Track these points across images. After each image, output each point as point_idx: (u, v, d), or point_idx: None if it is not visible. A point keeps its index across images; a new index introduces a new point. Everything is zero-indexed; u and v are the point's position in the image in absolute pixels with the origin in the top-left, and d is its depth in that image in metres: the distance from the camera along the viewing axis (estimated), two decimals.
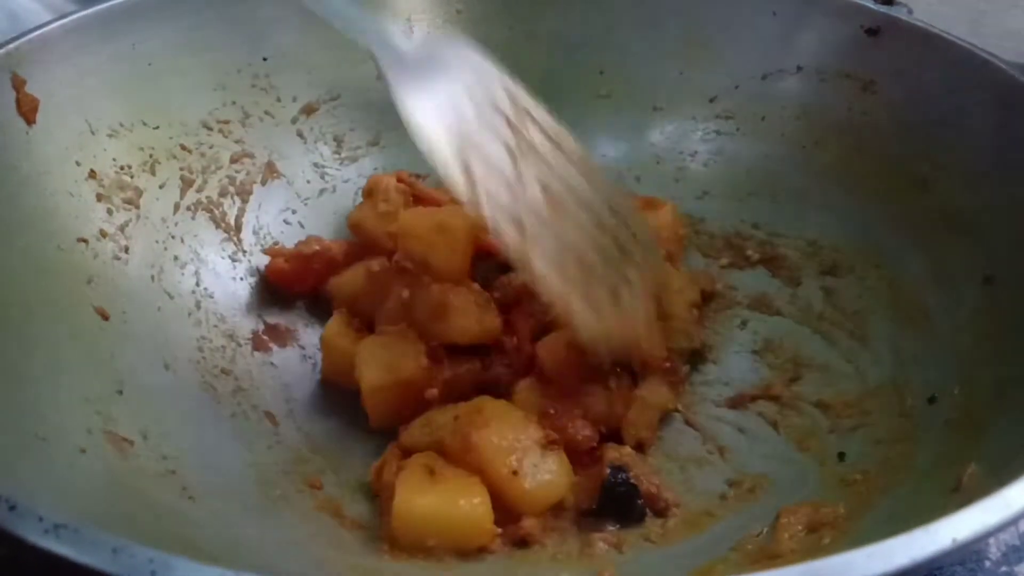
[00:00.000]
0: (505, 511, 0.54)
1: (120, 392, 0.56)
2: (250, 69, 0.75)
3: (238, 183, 0.74)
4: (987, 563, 0.54)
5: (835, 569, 0.32)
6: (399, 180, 0.74)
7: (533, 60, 0.82)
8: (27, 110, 0.60)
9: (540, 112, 0.61)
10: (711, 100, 0.79)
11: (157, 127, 0.69)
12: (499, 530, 0.54)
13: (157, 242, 0.67)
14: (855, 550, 0.32)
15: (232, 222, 0.73)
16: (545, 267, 0.54)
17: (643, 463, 0.59)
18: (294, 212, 0.77)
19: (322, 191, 0.79)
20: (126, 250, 0.65)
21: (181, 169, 0.71)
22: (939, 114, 0.67)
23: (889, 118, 0.70)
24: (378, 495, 0.58)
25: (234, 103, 0.74)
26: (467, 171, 0.55)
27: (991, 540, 0.55)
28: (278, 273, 0.71)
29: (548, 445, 0.56)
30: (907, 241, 0.66)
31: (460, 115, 0.57)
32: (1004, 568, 0.53)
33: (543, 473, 0.55)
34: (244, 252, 0.73)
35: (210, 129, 0.73)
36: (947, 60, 0.66)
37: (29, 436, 0.47)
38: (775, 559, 0.50)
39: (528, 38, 0.81)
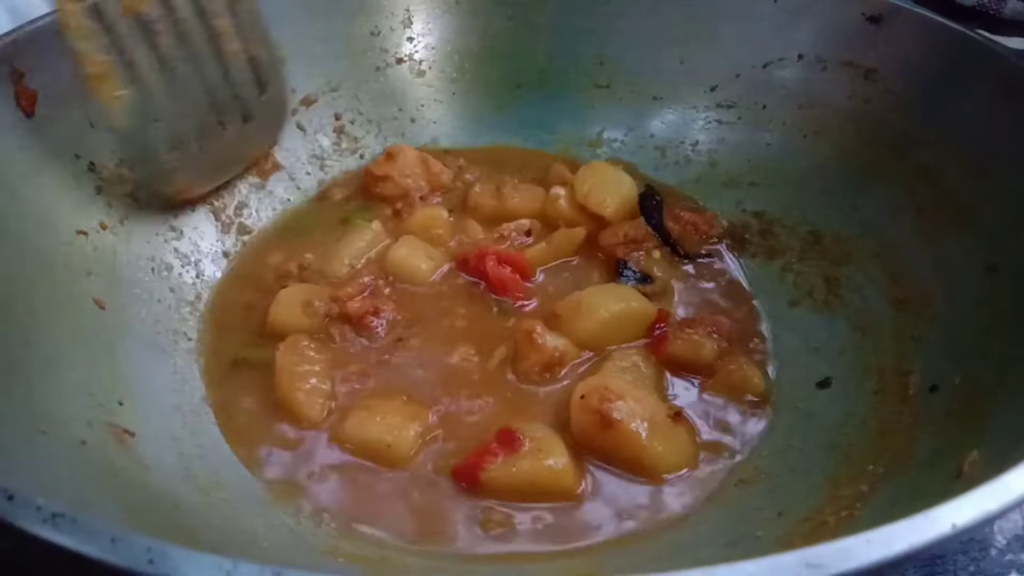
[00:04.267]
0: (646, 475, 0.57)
1: (120, 384, 0.56)
2: None
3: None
4: (992, 551, 0.53)
5: (835, 555, 0.31)
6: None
7: (533, 50, 0.82)
8: (26, 103, 0.60)
9: None
10: (712, 89, 0.79)
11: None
12: None
13: (157, 234, 0.67)
14: (854, 536, 0.32)
15: (231, 213, 0.73)
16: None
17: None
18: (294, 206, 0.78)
19: (321, 182, 0.79)
20: (126, 242, 0.65)
21: None
22: (941, 102, 0.66)
23: (891, 106, 0.70)
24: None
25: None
26: None
27: (996, 529, 0.54)
28: None
29: (674, 417, 0.59)
30: (909, 230, 0.66)
31: None
32: (1009, 556, 0.53)
33: (676, 442, 0.58)
34: (244, 244, 0.73)
35: None
36: (949, 47, 0.66)
37: (30, 429, 0.47)
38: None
39: (528, 28, 0.81)
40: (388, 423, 0.58)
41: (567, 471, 0.56)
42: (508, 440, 0.56)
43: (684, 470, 0.57)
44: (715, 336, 0.64)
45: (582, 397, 0.57)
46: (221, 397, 0.62)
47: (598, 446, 0.57)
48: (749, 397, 0.62)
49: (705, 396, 0.63)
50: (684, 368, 0.64)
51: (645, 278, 0.70)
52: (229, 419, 0.60)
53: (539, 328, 0.62)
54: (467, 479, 0.56)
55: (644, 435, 0.56)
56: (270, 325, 0.65)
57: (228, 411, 0.61)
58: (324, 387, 0.61)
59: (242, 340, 0.66)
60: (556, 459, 0.56)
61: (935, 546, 0.33)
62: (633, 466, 0.56)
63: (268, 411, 0.61)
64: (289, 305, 0.66)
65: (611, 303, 0.65)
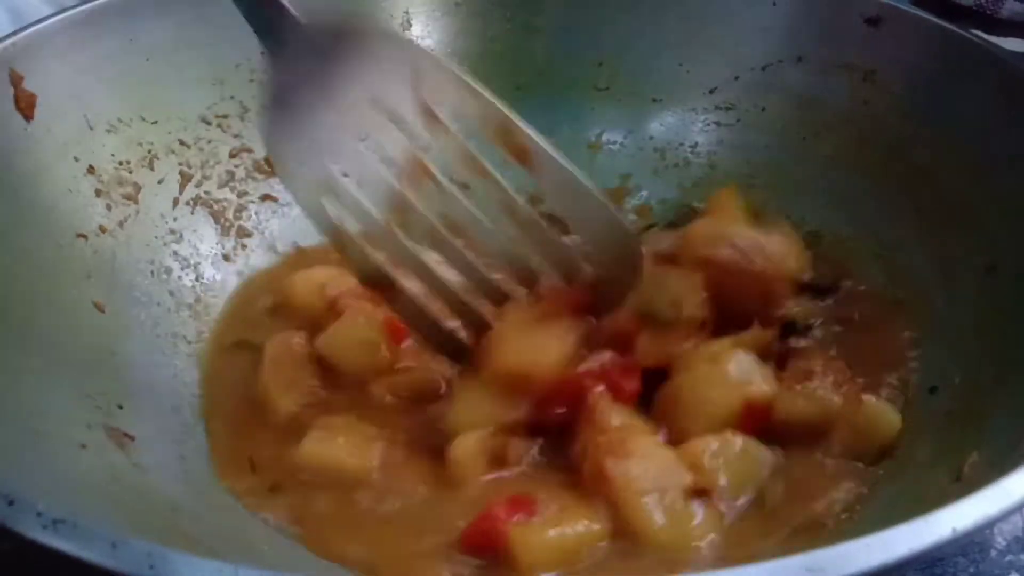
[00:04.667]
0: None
1: (120, 387, 0.56)
2: (248, 64, 0.75)
3: (237, 178, 0.74)
4: (993, 552, 0.53)
5: (834, 560, 0.31)
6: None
7: (532, 53, 0.82)
8: (25, 106, 0.60)
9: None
10: (711, 91, 0.79)
11: (155, 122, 0.69)
12: None
13: (156, 237, 0.67)
14: (854, 540, 0.32)
15: (231, 216, 0.73)
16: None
17: None
18: (293, 206, 0.77)
19: None
20: (126, 245, 0.65)
21: (180, 164, 0.71)
22: (940, 103, 0.66)
23: (890, 108, 0.70)
24: None
25: (232, 98, 0.74)
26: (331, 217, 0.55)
27: (996, 530, 0.54)
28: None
29: (696, 492, 0.51)
30: (908, 231, 0.66)
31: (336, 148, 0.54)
32: (1009, 557, 0.53)
33: (682, 519, 0.50)
34: (244, 247, 0.73)
35: (208, 124, 0.73)
36: (948, 49, 0.66)
37: (29, 432, 0.47)
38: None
39: (527, 30, 0.81)
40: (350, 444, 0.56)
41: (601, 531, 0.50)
42: (523, 505, 0.50)
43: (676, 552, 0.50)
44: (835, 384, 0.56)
45: (595, 446, 0.52)
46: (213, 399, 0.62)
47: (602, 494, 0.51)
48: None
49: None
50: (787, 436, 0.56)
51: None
52: (214, 426, 0.60)
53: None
54: (486, 547, 0.50)
55: (644, 505, 0.50)
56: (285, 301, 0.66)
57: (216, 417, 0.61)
58: (305, 382, 0.60)
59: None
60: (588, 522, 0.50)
61: (935, 550, 0.33)
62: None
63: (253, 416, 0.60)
64: (307, 284, 0.66)
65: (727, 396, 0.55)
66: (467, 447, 0.54)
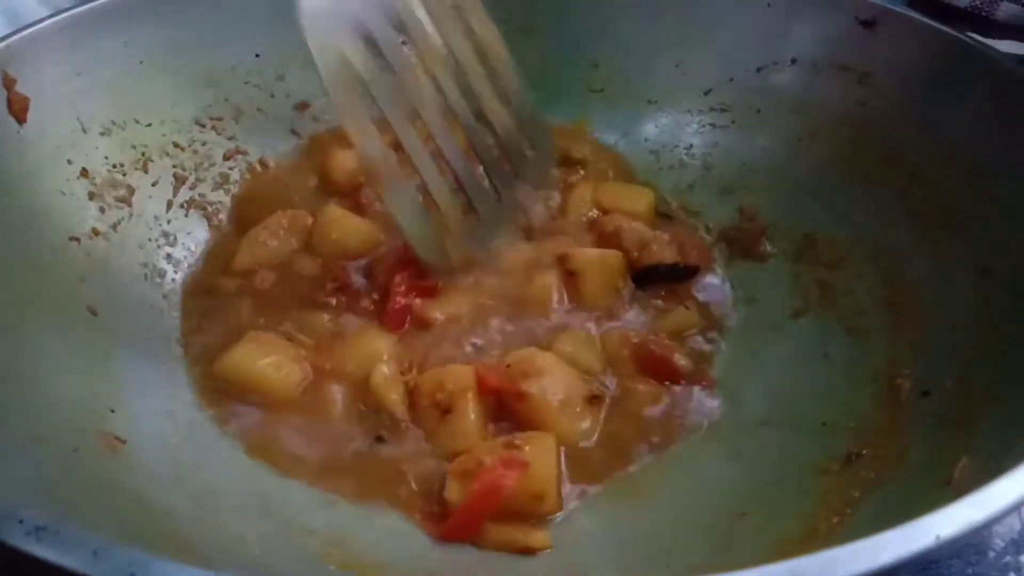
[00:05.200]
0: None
1: (113, 391, 0.56)
2: (243, 66, 0.75)
3: (231, 180, 0.74)
4: (991, 554, 0.53)
5: (819, 566, 0.31)
6: None
7: (528, 54, 0.81)
8: (18, 109, 0.60)
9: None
10: (706, 93, 0.79)
11: (149, 125, 0.69)
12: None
13: (150, 240, 0.67)
14: (839, 547, 0.32)
15: (225, 219, 0.73)
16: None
17: None
18: None
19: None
20: (119, 248, 0.65)
21: (174, 167, 0.71)
22: (935, 105, 0.66)
23: (885, 110, 0.70)
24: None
25: (227, 100, 0.74)
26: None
27: (993, 532, 0.54)
28: None
29: (591, 399, 0.59)
30: (903, 233, 0.66)
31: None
32: (1007, 559, 0.53)
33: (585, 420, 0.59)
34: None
35: (203, 126, 0.73)
36: (942, 51, 0.66)
37: (22, 435, 0.47)
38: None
39: (523, 32, 0.81)
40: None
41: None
42: (516, 462, 0.53)
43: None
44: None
45: (508, 367, 0.59)
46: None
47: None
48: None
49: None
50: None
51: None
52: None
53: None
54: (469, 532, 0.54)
55: (558, 411, 0.58)
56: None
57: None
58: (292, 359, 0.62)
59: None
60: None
61: (921, 557, 0.32)
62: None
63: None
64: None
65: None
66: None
